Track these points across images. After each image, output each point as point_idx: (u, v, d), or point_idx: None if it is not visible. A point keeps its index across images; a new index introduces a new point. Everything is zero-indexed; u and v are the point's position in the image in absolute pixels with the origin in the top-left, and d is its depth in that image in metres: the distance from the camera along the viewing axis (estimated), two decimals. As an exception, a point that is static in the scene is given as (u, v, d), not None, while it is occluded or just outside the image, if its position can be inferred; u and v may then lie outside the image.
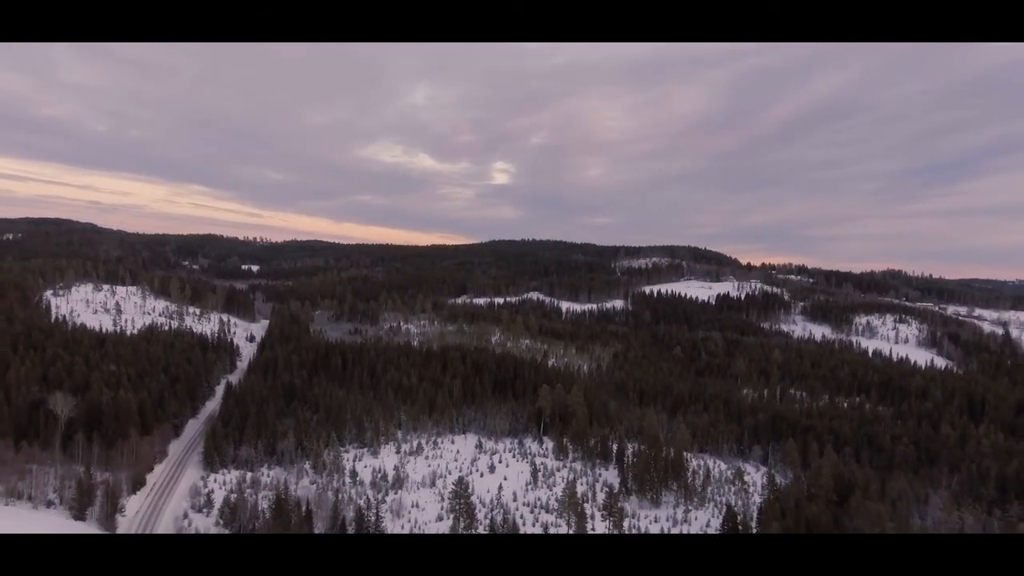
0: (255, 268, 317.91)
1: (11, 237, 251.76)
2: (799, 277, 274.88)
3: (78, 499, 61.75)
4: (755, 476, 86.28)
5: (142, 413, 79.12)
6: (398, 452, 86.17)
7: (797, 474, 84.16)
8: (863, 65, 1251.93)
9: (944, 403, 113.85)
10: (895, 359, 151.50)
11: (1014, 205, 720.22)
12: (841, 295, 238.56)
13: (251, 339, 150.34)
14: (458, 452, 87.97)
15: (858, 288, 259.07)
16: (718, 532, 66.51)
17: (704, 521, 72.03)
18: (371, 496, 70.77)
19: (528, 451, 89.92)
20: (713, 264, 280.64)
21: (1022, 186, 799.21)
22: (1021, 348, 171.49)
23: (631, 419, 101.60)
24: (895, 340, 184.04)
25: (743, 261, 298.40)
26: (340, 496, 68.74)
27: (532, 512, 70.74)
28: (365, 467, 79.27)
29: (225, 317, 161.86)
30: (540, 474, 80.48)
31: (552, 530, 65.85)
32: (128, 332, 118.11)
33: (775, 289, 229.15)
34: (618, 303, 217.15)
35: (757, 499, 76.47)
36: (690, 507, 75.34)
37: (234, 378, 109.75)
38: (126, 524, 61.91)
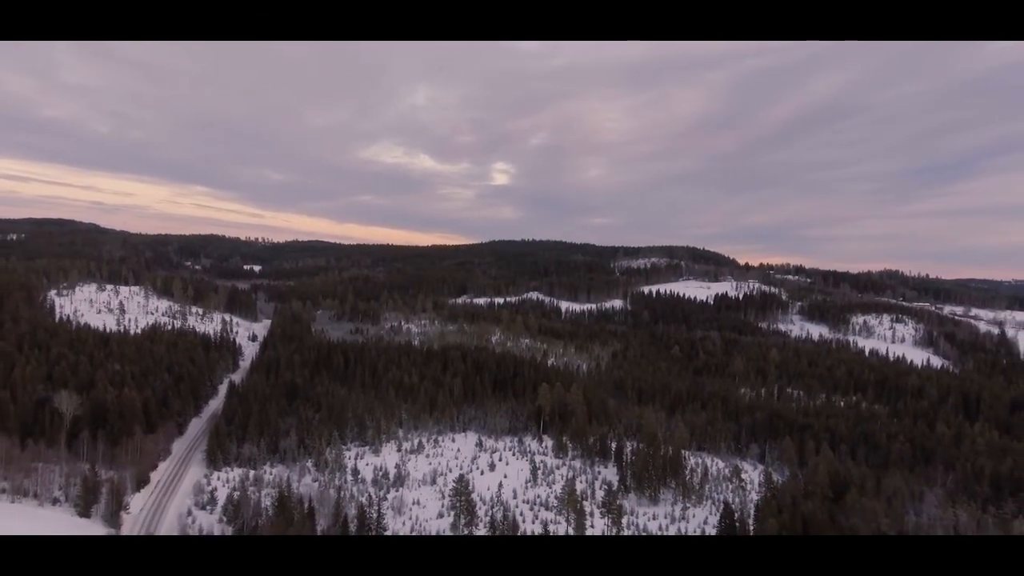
0: (257, 268, 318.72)
1: (14, 237, 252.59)
2: (797, 277, 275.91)
3: (83, 496, 62.34)
4: (752, 474, 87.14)
5: (146, 411, 79.93)
6: (399, 450, 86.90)
7: (794, 472, 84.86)
8: (861, 66, 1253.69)
9: (940, 402, 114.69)
10: (891, 358, 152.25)
11: (1011, 206, 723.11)
12: (838, 295, 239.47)
13: (253, 338, 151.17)
14: (459, 450, 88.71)
15: (855, 288, 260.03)
16: (717, 530, 67.15)
17: (702, 518, 72.63)
18: (373, 493, 71.22)
19: (528, 449, 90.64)
20: (711, 264, 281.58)
21: (1019, 187, 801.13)
22: (1017, 347, 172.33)
23: (630, 417, 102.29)
24: (892, 339, 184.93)
25: (741, 261, 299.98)
26: (342, 494, 69.24)
27: (532, 509, 71.39)
28: (367, 465, 79.95)
29: (227, 317, 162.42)
30: (540, 472, 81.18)
31: (552, 527, 66.48)
32: (132, 331, 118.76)
33: (773, 289, 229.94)
34: (617, 303, 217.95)
35: (754, 496, 77.10)
36: (688, 504, 76.04)
37: (237, 377, 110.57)
38: (130, 521, 62.46)
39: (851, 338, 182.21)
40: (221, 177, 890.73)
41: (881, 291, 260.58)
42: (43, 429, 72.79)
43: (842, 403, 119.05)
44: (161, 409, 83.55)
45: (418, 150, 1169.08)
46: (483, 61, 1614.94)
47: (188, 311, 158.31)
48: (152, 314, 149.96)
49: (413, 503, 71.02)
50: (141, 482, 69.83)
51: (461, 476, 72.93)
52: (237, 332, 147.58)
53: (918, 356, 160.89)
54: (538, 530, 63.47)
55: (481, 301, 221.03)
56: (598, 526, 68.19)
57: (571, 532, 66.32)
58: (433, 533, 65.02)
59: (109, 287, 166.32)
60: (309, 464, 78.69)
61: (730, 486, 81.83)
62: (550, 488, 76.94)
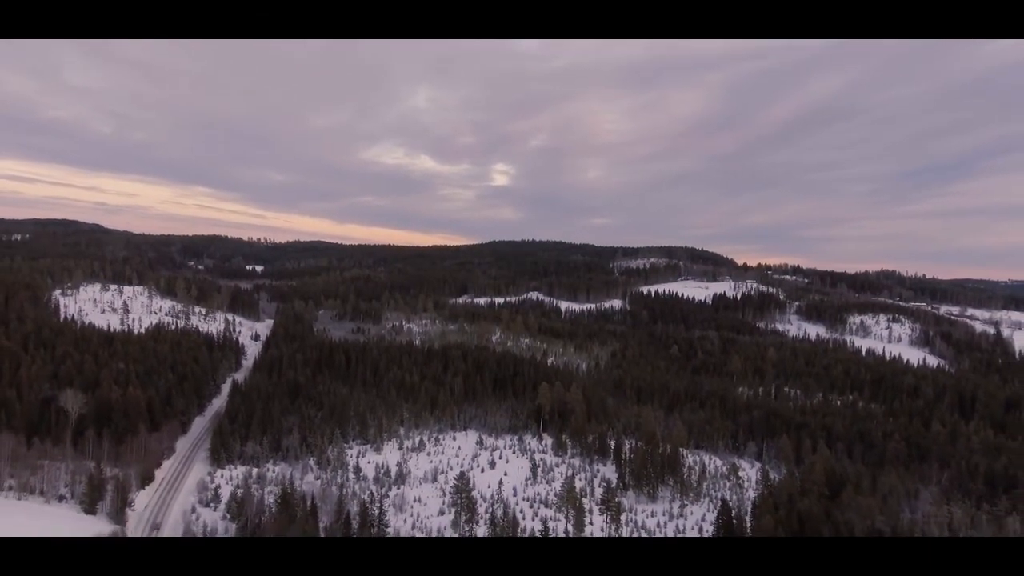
0: (259, 268, 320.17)
1: (19, 238, 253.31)
2: (794, 277, 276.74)
3: (89, 494, 62.97)
4: (749, 472, 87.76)
5: (150, 410, 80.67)
6: (400, 448, 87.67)
7: (790, 469, 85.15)
8: (860, 68, 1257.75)
9: (935, 400, 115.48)
10: (888, 358, 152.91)
11: (1007, 206, 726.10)
12: (836, 295, 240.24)
13: (256, 338, 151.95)
14: (459, 448, 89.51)
15: (852, 288, 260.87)
16: (714, 527, 67.74)
17: (699, 515, 73.27)
18: (374, 491, 71.85)
19: (528, 447, 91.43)
20: (710, 264, 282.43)
21: (1016, 187, 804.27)
22: (1012, 347, 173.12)
23: (628, 416, 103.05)
24: (888, 339, 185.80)
25: (740, 261, 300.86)
26: (344, 491, 69.81)
27: (532, 507, 72.13)
28: (368, 463, 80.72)
29: (230, 316, 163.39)
30: (539, 470, 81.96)
31: (551, 524, 67.01)
32: (136, 331, 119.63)
33: (771, 289, 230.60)
34: (616, 303, 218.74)
35: (751, 494, 77.62)
36: (686, 502, 76.76)
37: (240, 376, 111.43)
38: (135, 518, 62.99)
39: (848, 338, 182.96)
40: (223, 178, 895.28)
41: (878, 291, 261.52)
42: (49, 427, 73.49)
43: (839, 402, 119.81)
44: (165, 408, 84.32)
45: (419, 151, 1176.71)
46: (483, 63, 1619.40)
47: (191, 311, 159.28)
48: (156, 314, 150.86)
49: (414, 500, 71.70)
50: (146, 480, 70.43)
51: (462, 474, 73.54)
52: (240, 332, 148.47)
53: (914, 355, 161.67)
54: (538, 527, 64.10)
55: (481, 301, 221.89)
56: (597, 523, 68.75)
57: (571, 529, 67.07)
58: (434, 530, 65.84)
59: (113, 287, 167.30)
60: (311, 462, 79.44)
61: (727, 484, 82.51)
62: (550, 486, 77.67)
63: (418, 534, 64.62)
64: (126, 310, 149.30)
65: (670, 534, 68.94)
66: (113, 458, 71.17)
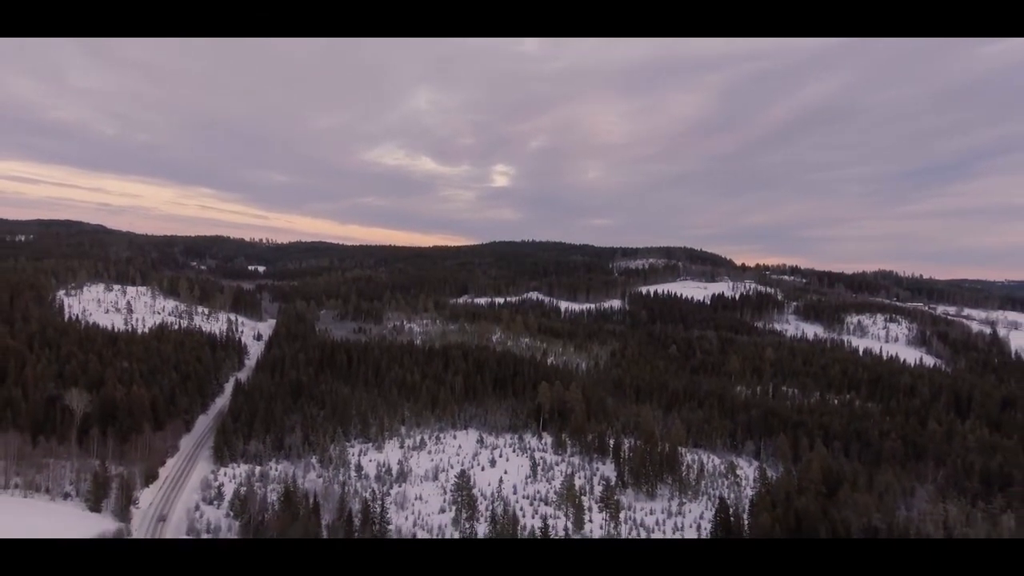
0: (261, 269, 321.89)
1: (23, 238, 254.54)
2: (792, 278, 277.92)
3: (94, 491, 63.48)
4: (747, 470, 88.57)
5: (154, 409, 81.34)
6: (402, 447, 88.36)
7: (788, 468, 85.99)
8: (858, 69, 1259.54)
9: (932, 400, 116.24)
10: (885, 357, 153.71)
11: (1004, 207, 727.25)
12: (833, 295, 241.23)
13: (258, 338, 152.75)
14: (460, 447, 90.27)
15: (850, 288, 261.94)
16: (712, 524, 68.36)
17: (698, 513, 74.07)
18: (376, 489, 72.49)
19: (528, 446, 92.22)
20: (708, 265, 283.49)
21: (1013, 188, 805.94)
22: (1008, 347, 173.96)
23: (628, 415, 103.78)
24: (885, 339, 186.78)
25: (738, 262, 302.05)
26: (346, 489, 70.49)
27: (531, 504, 72.88)
28: (370, 461, 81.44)
29: (233, 316, 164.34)
30: (539, 468, 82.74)
31: (551, 522, 67.60)
32: (139, 331, 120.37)
33: (769, 289, 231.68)
34: (616, 303, 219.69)
35: (749, 492, 78.33)
36: (684, 500, 77.59)
37: (242, 375, 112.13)
38: (140, 516, 63.57)
39: (845, 337, 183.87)
40: (225, 178, 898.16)
41: (875, 291, 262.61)
42: (54, 426, 74.14)
43: (836, 401, 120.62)
44: (169, 407, 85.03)
45: (420, 152, 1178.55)
46: (483, 64, 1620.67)
47: (194, 311, 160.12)
48: (159, 314, 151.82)
49: (416, 498, 72.40)
50: (150, 478, 71.09)
51: (462, 472, 74.36)
52: (242, 331, 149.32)
53: (911, 355, 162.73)
54: (538, 524, 64.72)
55: (482, 301, 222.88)
56: (596, 521, 69.52)
57: (570, 526, 67.80)
58: (435, 527, 66.54)
59: (116, 287, 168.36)
60: (314, 460, 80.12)
61: (725, 482, 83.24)
62: (549, 484, 78.44)
63: (419, 531, 65.37)
64: (130, 310, 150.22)
65: (669, 531, 69.74)
66: (118, 456, 71.75)
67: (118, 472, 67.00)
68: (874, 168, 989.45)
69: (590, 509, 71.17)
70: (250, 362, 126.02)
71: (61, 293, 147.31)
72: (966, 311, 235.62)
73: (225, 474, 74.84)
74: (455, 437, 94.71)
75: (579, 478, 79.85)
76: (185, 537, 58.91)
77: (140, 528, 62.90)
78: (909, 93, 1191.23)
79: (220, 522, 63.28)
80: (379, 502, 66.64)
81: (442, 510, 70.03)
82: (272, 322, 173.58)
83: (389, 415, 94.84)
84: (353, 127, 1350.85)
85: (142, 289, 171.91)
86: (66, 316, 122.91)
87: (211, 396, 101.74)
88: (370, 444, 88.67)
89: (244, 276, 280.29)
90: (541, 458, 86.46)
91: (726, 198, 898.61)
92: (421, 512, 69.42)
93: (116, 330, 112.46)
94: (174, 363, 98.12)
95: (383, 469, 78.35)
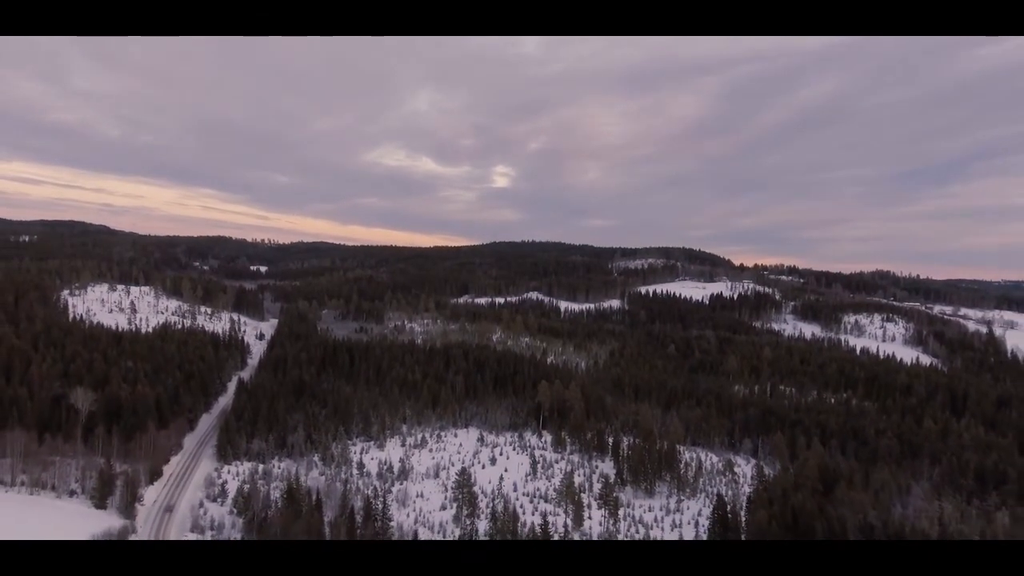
0: (263, 269, 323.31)
1: (27, 239, 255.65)
2: (790, 277, 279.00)
3: (99, 489, 64.24)
4: (745, 468, 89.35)
5: (159, 407, 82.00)
6: (403, 445, 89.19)
7: (785, 465, 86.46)
8: (855, 71, 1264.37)
9: (927, 398, 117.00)
10: (882, 356, 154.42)
11: (1001, 207, 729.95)
12: (831, 295, 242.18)
13: (261, 337, 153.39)
14: (460, 445, 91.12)
15: (847, 288, 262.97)
16: (710, 521, 69.05)
17: (696, 510, 74.85)
18: (378, 486, 73.31)
19: (528, 444, 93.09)
20: (707, 265, 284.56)
21: (1009, 189, 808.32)
22: (1004, 346, 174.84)
23: (626, 414, 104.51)
24: (882, 338, 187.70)
25: (736, 262, 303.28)
26: (348, 487, 71.17)
27: (531, 502, 73.71)
28: (372, 459, 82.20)
29: (235, 316, 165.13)
30: (539, 466, 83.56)
31: (551, 519, 68.29)
32: (143, 330, 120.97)
33: (767, 289, 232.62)
34: (615, 303, 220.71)
35: (746, 489, 79.10)
36: (682, 497, 78.39)
37: (245, 374, 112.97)
38: (144, 513, 64.33)
39: (843, 337, 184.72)
40: (228, 180, 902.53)
41: (872, 291, 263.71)
42: (60, 424, 74.64)
43: (833, 400, 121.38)
44: (173, 405, 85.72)
45: (420, 153, 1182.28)
46: (484, 66, 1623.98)
47: (197, 311, 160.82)
48: (162, 313, 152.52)
49: (417, 496, 73.18)
50: (154, 475, 71.75)
51: (463, 470, 75.26)
52: (245, 331, 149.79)
53: (908, 354, 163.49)
54: (538, 521, 65.33)
55: (482, 301, 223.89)
56: (596, 517, 70.35)
57: (570, 523, 68.56)
58: (436, 524, 67.33)
59: (120, 287, 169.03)
60: (316, 458, 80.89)
61: (723, 479, 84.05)
62: (549, 481, 79.31)
63: (421, 528, 66.12)
64: (133, 310, 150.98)
65: (667, 528, 70.57)
66: (122, 454, 72.31)
67: (123, 470, 67.70)
68: (871, 169, 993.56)
69: (589, 506, 71.99)
70: (253, 361, 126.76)
71: (65, 293, 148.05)
72: (962, 311, 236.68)
73: (228, 472, 75.46)
74: (456, 435, 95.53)
75: (578, 475, 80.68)
76: (186, 539, 59.34)
77: (147, 518, 63.69)
78: (904, 95, 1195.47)
79: (224, 519, 63.92)
80: (381, 499, 67.24)
81: (443, 507, 70.81)
82: (274, 322, 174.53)
83: (390, 413, 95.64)
84: (354, 128, 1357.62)
85: (145, 289, 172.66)
86: (70, 316, 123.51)
87: (214, 395, 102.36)
88: (372, 442, 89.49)
89: (246, 276, 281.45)
90: (541, 456, 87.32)
91: (724, 199, 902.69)
92: (422, 509, 70.16)
93: (120, 330, 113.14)
94: (178, 362, 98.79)
95: (385, 467, 79.13)
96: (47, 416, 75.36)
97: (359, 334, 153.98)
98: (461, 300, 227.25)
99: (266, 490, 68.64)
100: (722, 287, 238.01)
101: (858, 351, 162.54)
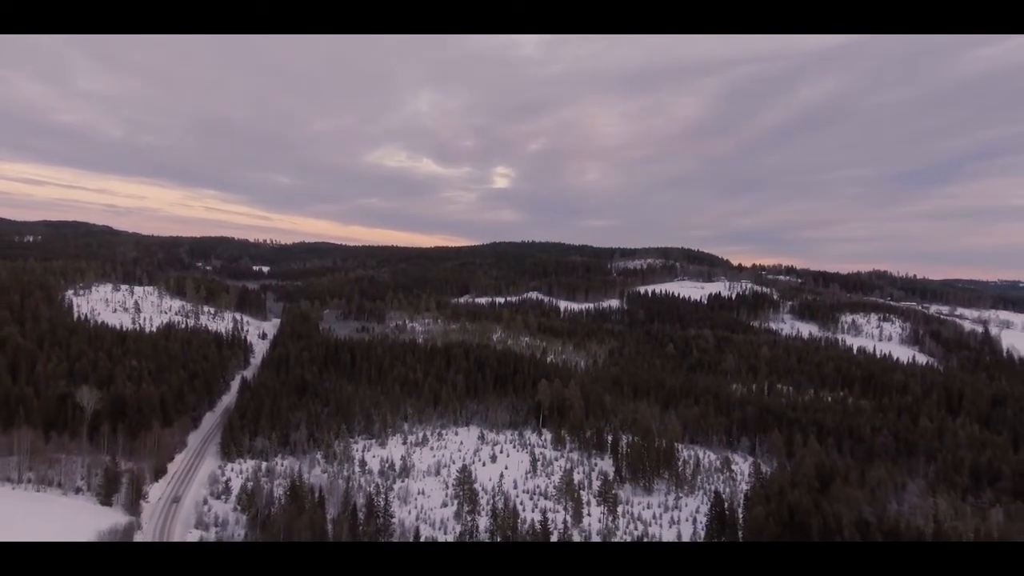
0: (266, 269, 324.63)
1: (31, 239, 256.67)
2: (788, 277, 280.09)
3: (104, 486, 65.08)
4: (742, 465, 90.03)
5: (163, 406, 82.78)
6: (405, 443, 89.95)
7: (782, 463, 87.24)
8: (853, 72, 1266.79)
9: (923, 397, 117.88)
10: (878, 355, 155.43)
11: (998, 208, 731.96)
12: (828, 295, 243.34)
13: (263, 337, 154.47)
14: (461, 443, 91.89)
15: (845, 288, 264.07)
16: (708, 519, 69.68)
17: (694, 507, 75.50)
18: (380, 484, 74.03)
19: (528, 442, 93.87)
20: (705, 265, 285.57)
21: (1005, 189, 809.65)
22: (1000, 345, 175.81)
23: (625, 412, 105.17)
24: (879, 338, 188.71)
25: (734, 262, 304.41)
26: (350, 484, 71.82)
27: (531, 499, 74.38)
28: (374, 457, 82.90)
29: (238, 316, 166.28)
30: (539, 463, 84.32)
31: (550, 515, 68.87)
32: (147, 330, 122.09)
33: (765, 289, 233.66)
34: (614, 302, 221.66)
35: (744, 486, 79.77)
36: (681, 494, 79.10)
37: (248, 373, 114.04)
38: (149, 509, 65.09)
39: (840, 336, 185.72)
40: (230, 181, 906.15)
41: (870, 291, 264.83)
42: (66, 422, 75.50)
43: (829, 398, 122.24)
44: (177, 404, 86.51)
45: (421, 154, 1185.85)
46: (484, 68, 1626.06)
47: (200, 310, 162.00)
48: (166, 313, 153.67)
49: (418, 493, 73.87)
50: (159, 472, 72.59)
51: (464, 467, 76.07)
52: (248, 330, 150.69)
53: (904, 353, 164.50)
54: (537, 518, 65.91)
55: (483, 300, 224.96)
56: (595, 514, 71.06)
57: (569, 520, 69.21)
58: (437, 521, 67.97)
59: (124, 287, 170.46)
60: (318, 456, 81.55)
61: (721, 477, 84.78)
62: (549, 479, 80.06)
63: (422, 525, 66.75)
64: (137, 309, 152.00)
65: (665, 525, 71.29)
66: (127, 452, 73.21)
67: (128, 467, 68.53)
68: (871, 169, 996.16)
69: (588, 503, 72.64)
70: (255, 360, 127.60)
71: (70, 293, 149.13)
72: (959, 310, 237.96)
73: (232, 469, 76.20)
74: (456, 433, 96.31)
75: (578, 473, 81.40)
76: (189, 538, 60.06)
77: (153, 511, 64.31)
78: (902, 96, 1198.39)
79: (228, 516, 64.62)
80: (383, 496, 67.93)
81: (444, 504, 71.45)
82: (276, 321, 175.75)
83: (392, 412, 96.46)
84: (355, 130, 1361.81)
85: (149, 289, 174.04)
86: (75, 315, 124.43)
87: (218, 394, 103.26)
88: (373, 440, 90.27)
89: (248, 276, 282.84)
90: (541, 454, 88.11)
91: (723, 199, 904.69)
92: (424, 506, 70.74)
93: (124, 329, 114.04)
94: (182, 361, 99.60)
95: (386, 464, 79.78)
96: (53, 414, 76.14)
97: (361, 333, 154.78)
98: (462, 300, 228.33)
99: (269, 487, 69.40)
100: (720, 287, 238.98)
101: (855, 350, 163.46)
